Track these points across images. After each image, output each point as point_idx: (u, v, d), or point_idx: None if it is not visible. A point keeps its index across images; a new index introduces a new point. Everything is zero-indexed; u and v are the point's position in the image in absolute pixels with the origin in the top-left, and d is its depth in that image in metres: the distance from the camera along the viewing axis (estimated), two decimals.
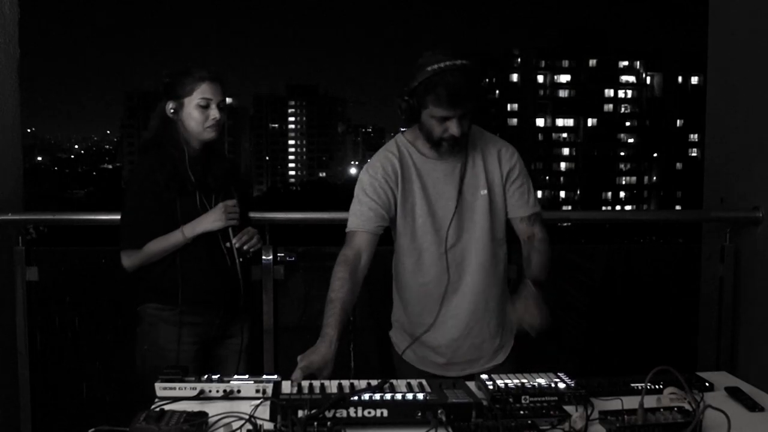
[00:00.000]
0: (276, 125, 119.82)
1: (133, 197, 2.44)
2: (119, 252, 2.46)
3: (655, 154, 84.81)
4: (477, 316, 2.33)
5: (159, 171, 2.41)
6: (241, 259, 2.49)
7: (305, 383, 1.83)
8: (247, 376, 1.84)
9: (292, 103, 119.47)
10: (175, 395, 1.79)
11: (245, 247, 2.50)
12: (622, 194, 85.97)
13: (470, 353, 2.35)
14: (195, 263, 2.44)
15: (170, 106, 2.45)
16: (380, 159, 2.30)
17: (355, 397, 1.65)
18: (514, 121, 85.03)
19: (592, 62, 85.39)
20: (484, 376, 1.88)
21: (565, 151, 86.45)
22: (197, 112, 2.43)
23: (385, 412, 1.64)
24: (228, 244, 2.49)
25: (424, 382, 1.83)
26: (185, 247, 2.43)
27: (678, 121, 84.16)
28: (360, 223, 2.25)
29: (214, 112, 2.44)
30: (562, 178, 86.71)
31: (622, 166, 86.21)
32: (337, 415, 1.62)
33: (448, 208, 2.28)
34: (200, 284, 2.44)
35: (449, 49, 2.12)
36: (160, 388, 1.80)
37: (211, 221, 2.44)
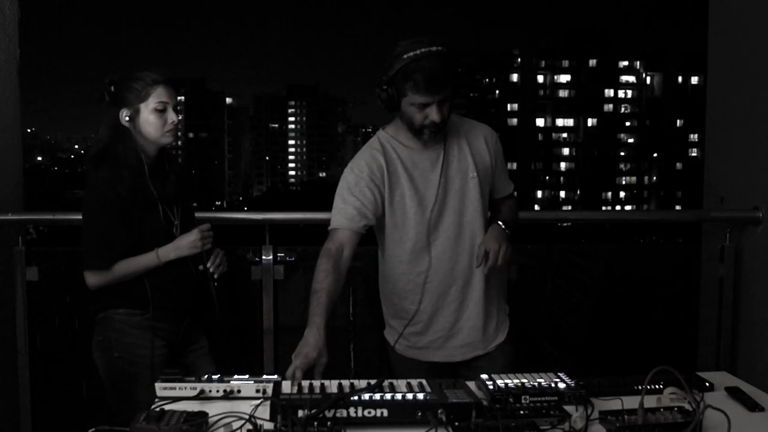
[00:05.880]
0: (276, 125, 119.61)
1: (96, 214, 2.32)
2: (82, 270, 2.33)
3: (655, 154, 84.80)
4: (475, 298, 2.35)
5: (119, 184, 2.30)
6: (215, 283, 2.45)
7: (305, 383, 1.83)
8: (247, 376, 1.84)
9: (292, 103, 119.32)
10: (175, 395, 1.79)
11: (215, 272, 2.44)
12: (622, 194, 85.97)
13: (469, 337, 2.37)
14: (164, 268, 2.38)
15: (125, 114, 2.33)
16: (365, 157, 2.30)
17: (355, 397, 1.65)
18: (514, 121, 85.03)
19: (592, 62, 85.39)
20: (484, 376, 1.87)
21: (565, 151, 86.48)
22: (154, 116, 2.33)
23: (385, 412, 1.64)
24: (201, 267, 2.44)
25: (424, 381, 1.83)
26: None
27: (678, 121, 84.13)
28: (343, 221, 2.25)
29: (171, 116, 2.36)
30: (562, 178, 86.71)
31: (622, 166, 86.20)
32: (337, 415, 1.62)
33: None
34: (169, 289, 2.40)
35: (424, 37, 2.14)
36: (160, 388, 1.80)
37: (187, 247, 2.38)
